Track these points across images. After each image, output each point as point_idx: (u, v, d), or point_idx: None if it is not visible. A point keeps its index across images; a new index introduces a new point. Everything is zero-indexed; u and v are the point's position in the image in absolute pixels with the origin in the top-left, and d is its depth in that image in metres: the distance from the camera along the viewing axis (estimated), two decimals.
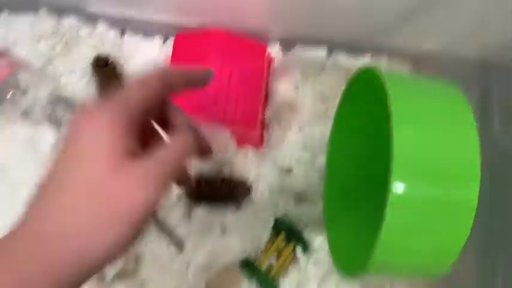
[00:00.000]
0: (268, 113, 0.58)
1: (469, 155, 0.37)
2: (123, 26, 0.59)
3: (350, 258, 0.47)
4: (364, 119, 0.50)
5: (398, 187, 0.35)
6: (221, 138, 0.56)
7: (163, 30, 0.60)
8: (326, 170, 0.53)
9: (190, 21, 0.58)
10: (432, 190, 0.36)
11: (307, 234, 0.55)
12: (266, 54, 0.56)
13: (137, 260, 0.53)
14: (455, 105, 0.39)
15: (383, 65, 0.59)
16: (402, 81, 0.42)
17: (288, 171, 0.58)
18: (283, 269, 0.54)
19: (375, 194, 0.51)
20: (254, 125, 0.54)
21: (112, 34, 0.59)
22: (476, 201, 0.36)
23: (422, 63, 0.60)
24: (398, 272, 0.44)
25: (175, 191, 0.55)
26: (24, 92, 0.53)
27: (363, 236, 0.49)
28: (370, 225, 0.50)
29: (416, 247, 0.38)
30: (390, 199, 0.35)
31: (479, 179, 0.36)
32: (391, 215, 0.35)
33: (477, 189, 0.36)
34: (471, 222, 0.36)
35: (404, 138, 0.35)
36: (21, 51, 0.57)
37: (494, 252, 0.48)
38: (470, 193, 0.36)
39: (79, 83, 0.57)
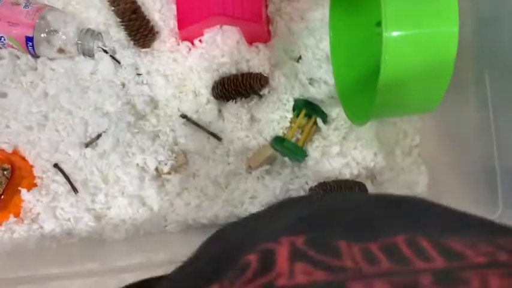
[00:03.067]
0: (270, 8, 0.64)
1: None
2: None
3: (360, 108, 0.55)
4: None
5: (391, 31, 0.42)
6: (233, 39, 0.63)
7: None
8: (331, 43, 0.60)
9: None
10: (419, 29, 0.43)
11: (324, 108, 0.63)
12: None
13: (185, 155, 0.62)
14: None
15: None
16: None
17: (298, 58, 0.64)
18: (309, 139, 0.62)
19: (375, 53, 0.58)
20: (259, 18, 0.60)
21: None
22: (457, 32, 0.42)
23: None
24: (399, 108, 0.52)
25: (204, 95, 0.63)
26: (55, 32, 0.61)
27: (368, 88, 0.57)
28: (374, 79, 0.58)
29: (412, 81, 0.45)
30: (385, 42, 0.42)
31: (457, 13, 0.42)
32: (387, 56, 0.42)
33: (457, 22, 0.42)
34: (455, 52, 0.43)
35: None
36: None
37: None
38: (452, 25, 0.42)
39: (99, 16, 0.63)
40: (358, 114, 0.55)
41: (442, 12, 0.43)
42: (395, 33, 0.42)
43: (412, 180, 0.61)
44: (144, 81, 0.62)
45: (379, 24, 0.59)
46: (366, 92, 0.58)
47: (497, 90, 0.53)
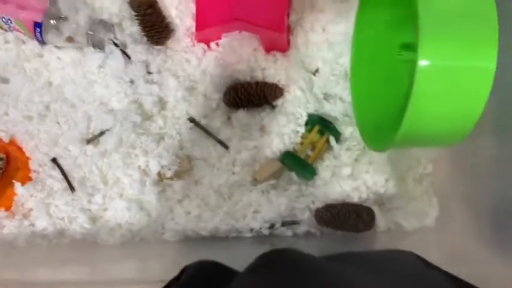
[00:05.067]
0: (292, 16, 0.62)
1: (489, 26, 0.40)
2: None
3: (378, 134, 0.52)
4: (385, 9, 0.53)
5: (425, 58, 0.39)
6: (250, 46, 0.60)
7: None
8: (352, 59, 0.58)
9: None
10: (455, 61, 0.40)
11: (338, 127, 0.61)
12: None
13: (190, 161, 0.60)
14: None
15: None
16: None
17: (316, 71, 0.62)
18: (319, 157, 0.60)
19: (398, 76, 0.56)
20: (281, 27, 0.58)
21: None
22: (494, 68, 0.40)
23: None
24: (422, 141, 0.50)
25: (215, 100, 0.60)
26: (65, 19, 0.57)
27: (388, 113, 0.55)
28: (395, 104, 0.55)
29: (439, 114, 0.43)
30: (418, 68, 0.39)
31: (496, 50, 0.40)
32: (418, 83, 0.40)
33: (495, 58, 0.40)
34: (489, 88, 0.41)
35: (428, 11, 0.39)
36: None
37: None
38: (489, 61, 0.40)
39: (113, 7, 0.60)
40: (376, 140, 0.53)
41: (481, 46, 0.41)
42: (429, 64, 0.40)
43: (422, 211, 0.59)
44: (154, 80, 0.59)
45: (404, 46, 0.57)
46: (385, 117, 0.56)
47: None
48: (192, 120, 0.60)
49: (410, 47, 0.56)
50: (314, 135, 0.59)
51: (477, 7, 0.41)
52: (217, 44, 0.60)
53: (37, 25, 0.56)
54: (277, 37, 0.59)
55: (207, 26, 0.57)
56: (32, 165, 0.57)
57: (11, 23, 0.57)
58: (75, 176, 0.57)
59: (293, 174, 0.60)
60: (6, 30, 0.59)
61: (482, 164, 0.59)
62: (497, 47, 0.40)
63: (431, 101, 0.41)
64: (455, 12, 0.41)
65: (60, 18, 0.57)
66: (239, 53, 0.60)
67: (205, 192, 0.59)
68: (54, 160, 0.57)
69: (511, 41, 0.46)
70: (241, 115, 0.60)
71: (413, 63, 0.42)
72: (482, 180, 0.57)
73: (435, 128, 0.44)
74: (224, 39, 0.59)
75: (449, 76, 0.40)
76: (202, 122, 0.60)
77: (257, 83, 0.60)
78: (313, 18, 0.61)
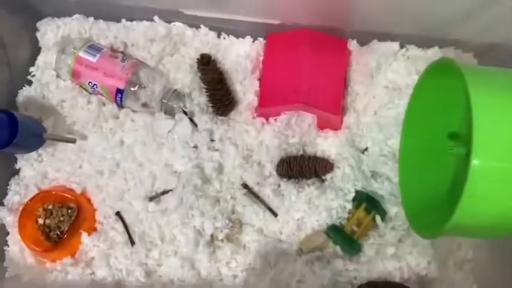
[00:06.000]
0: (346, 99, 0.67)
1: None
2: (219, 28, 0.70)
3: (424, 218, 0.55)
4: (436, 101, 0.58)
5: (478, 161, 0.42)
6: (306, 123, 0.65)
7: (253, 31, 0.69)
8: (401, 143, 0.62)
9: (276, 21, 0.67)
10: (507, 163, 0.43)
11: (384, 205, 0.64)
12: (346, 48, 0.64)
13: (240, 225, 0.63)
14: None
15: (450, 55, 0.66)
16: (476, 70, 0.50)
17: (365, 150, 0.66)
18: (365, 234, 0.63)
19: (445, 163, 0.59)
20: (338, 110, 0.63)
21: (211, 36, 0.69)
22: None
23: (485, 54, 0.67)
24: (469, 233, 0.52)
25: (268, 169, 0.65)
26: (144, 87, 0.64)
27: (434, 197, 0.57)
28: (441, 188, 0.58)
29: (489, 212, 0.46)
30: (471, 171, 0.42)
31: None
32: (470, 183, 0.43)
33: None
34: None
35: (482, 120, 0.43)
36: (138, 53, 0.68)
37: None
38: None
39: (186, 78, 0.67)
40: (422, 224, 0.56)
41: None
42: (483, 163, 0.43)
43: None
44: (216, 147, 0.65)
45: (451, 136, 0.61)
46: (431, 201, 0.59)
47: None
48: (245, 186, 0.64)
49: (458, 137, 0.60)
50: (361, 212, 0.62)
51: None
52: (275, 119, 0.65)
53: (119, 91, 0.63)
54: (332, 118, 0.64)
55: (270, 105, 0.63)
56: (98, 216, 0.62)
57: (96, 87, 0.64)
58: (135, 230, 0.62)
59: (338, 248, 0.63)
60: (90, 93, 0.66)
61: None
62: None
63: (481, 198, 0.44)
64: (507, 113, 0.45)
65: (140, 86, 0.64)
66: (295, 128, 0.65)
67: (252, 258, 0.62)
68: (118, 213, 0.62)
69: None
70: (291, 186, 0.64)
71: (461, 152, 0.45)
72: None
73: (482, 223, 0.47)
74: (283, 116, 0.64)
75: (499, 176, 0.44)
76: (255, 188, 0.64)
77: (309, 157, 0.64)
78: (366, 102, 0.67)
